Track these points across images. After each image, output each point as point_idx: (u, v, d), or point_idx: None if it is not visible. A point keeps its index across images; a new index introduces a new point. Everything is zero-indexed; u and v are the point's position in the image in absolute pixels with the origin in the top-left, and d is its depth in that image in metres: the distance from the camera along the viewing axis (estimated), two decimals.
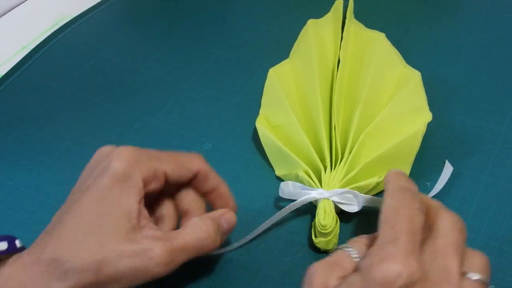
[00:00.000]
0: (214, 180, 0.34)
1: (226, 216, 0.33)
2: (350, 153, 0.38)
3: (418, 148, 0.40)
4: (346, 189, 0.36)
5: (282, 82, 0.45)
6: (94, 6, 0.63)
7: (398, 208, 0.27)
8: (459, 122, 0.44)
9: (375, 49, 0.45)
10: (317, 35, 0.47)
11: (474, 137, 0.43)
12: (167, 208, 0.34)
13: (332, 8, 0.51)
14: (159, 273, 0.29)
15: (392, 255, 0.25)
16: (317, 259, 0.36)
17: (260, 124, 0.43)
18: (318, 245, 0.36)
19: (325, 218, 0.35)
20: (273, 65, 0.48)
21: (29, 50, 0.57)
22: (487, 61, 0.50)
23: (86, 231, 0.28)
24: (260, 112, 0.45)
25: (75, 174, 0.43)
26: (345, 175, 0.37)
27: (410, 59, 0.46)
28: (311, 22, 0.49)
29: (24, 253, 0.29)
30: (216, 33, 0.57)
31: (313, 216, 0.36)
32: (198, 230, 0.31)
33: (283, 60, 0.48)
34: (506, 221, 0.37)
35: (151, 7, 0.63)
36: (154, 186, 0.32)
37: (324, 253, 0.36)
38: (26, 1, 0.65)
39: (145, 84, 0.52)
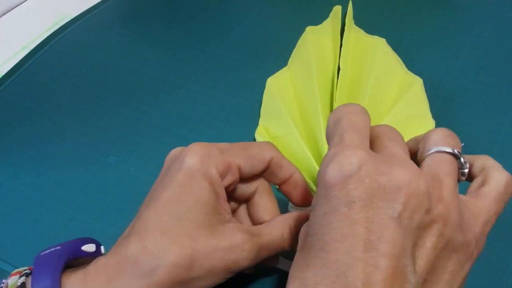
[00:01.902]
0: (288, 168, 0.33)
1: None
2: None
3: None
4: None
5: (280, 91, 0.44)
6: (94, 6, 0.63)
7: (339, 117, 0.27)
8: (459, 122, 0.44)
9: (375, 56, 0.44)
10: (316, 43, 0.46)
11: (474, 137, 0.43)
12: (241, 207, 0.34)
13: (331, 14, 0.50)
14: (244, 267, 0.29)
15: (337, 153, 0.24)
16: None
17: (260, 136, 0.42)
18: None
19: None
20: (273, 65, 0.48)
21: (29, 50, 0.57)
22: (487, 61, 0.50)
23: (172, 226, 0.28)
24: (260, 122, 0.44)
25: (75, 174, 0.43)
26: None
27: (410, 60, 0.47)
28: (309, 29, 0.49)
29: (108, 253, 0.29)
30: (216, 33, 0.57)
31: None
32: (282, 229, 0.31)
33: (284, 60, 0.48)
34: (506, 221, 0.37)
35: (151, 7, 0.63)
36: (229, 180, 0.31)
37: None
38: (26, 1, 0.65)
39: (145, 84, 0.52)
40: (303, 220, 0.31)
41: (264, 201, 0.33)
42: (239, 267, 0.29)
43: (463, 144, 0.27)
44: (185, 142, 0.45)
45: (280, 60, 0.50)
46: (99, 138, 0.46)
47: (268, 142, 0.33)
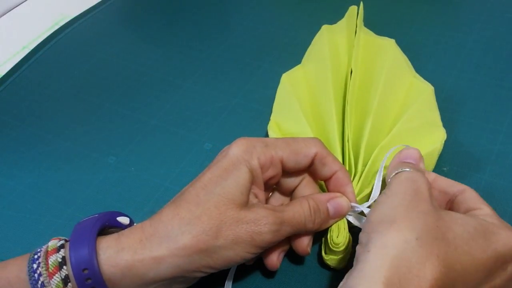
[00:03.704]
0: (331, 166, 0.34)
1: (335, 200, 0.34)
2: (363, 166, 0.37)
3: (434, 166, 0.39)
4: (364, 207, 0.34)
5: (295, 88, 0.44)
6: (94, 6, 0.63)
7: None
8: (459, 122, 0.44)
9: (385, 58, 0.44)
10: (331, 42, 0.46)
11: (474, 137, 0.43)
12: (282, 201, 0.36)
13: (346, 14, 0.50)
14: (268, 240, 0.30)
15: None
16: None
17: (272, 131, 0.42)
18: (328, 262, 0.34)
19: (339, 236, 0.33)
20: (273, 65, 0.47)
21: (29, 50, 0.57)
22: (487, 61, 0.50)
23: (206, 200, 0.30)
24: (271, 118, 0.44)
25: (75, 174, 0.43)
26: (360, 191, 0.36)
27: (410, 60, 0.46)
28: (325, 28, 0.48)
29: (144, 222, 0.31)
30: (216, 33, 0.57)
31: (324, 231, 0.35)
32: (300, 207, 0.32)
33: (284, 60, 0.48)
34: (506, 221, 0.37)
35: (151, 7, 0.63)
36: (271, 173, 0.33)
37: (334, 270, 0.35)
38: (26, 1, 0.65)
39: (145, 84, 0.52)
40: (321, 200, 0.33)
41: (306, 193, 0.34)
42: (263, 240, 0.30)
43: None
44: (185, 142, 0.45)
45: (280, 59, 0.50)
46: (99, 138, 0.46)
47: (315, 138, 0.34)
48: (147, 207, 0.40)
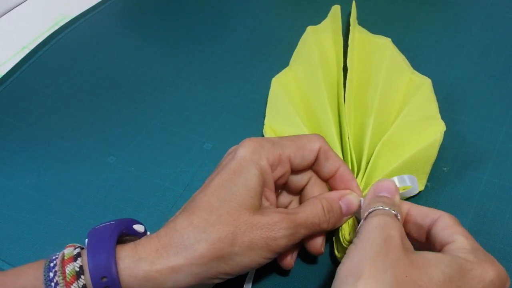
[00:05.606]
0: (334, 161, 0.34)
1: (346, 197, 0.34)
2: (367, 163, 0.37)
3: (435, 158, 0.39)
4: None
5: (286, 91, 0.44)
6: (94, 6, 0.63)
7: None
8: (459, 122, 0.44)
9: (383, 56, 0.44)
10: (318, 42, 0.46)
11: (474, 137, 0.43)
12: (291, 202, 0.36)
13: (330, 13, 0.50)
14: (284, 245, 0.30)
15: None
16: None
17: (267, 135, 0.42)
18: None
19: (351, 233, 0.33)
20: (273, 65, 0.47)
21: (29, 50, 0.57)
22: (487, 61, 0.50)
23: (218, 206, 0.30)
24: (265, 122, 0.44)
25: (75, 174, 0.43)
26: (365, 186, 0.36)
27: (410, 60, 0.47)
28: (310, 29, 0.49)
29: (159, 230, 0.31)
30: (216, 33, 0.57)
31: (333, 230, 0.35)
32: (314, 208, 0.32)
33: (284, 60, 0.48)
34: (506, 221, 0.37)
35: (151, 7, 0.63)
36: (280, 172, 0.33)
37: None
38: (26, 1, 0.65)
39: (145, 84, 0.52)
40: (333, 199, 0.33)
41: (315, 192, 0.34)
42: (278, 245, 0.30)
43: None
44: (185, 142, 0.45)
45: (280, 60, 0.50)
46: (99, 138, 0.46)
47: (316, 134, 0.34)
48: (147, 207, 0.40)
